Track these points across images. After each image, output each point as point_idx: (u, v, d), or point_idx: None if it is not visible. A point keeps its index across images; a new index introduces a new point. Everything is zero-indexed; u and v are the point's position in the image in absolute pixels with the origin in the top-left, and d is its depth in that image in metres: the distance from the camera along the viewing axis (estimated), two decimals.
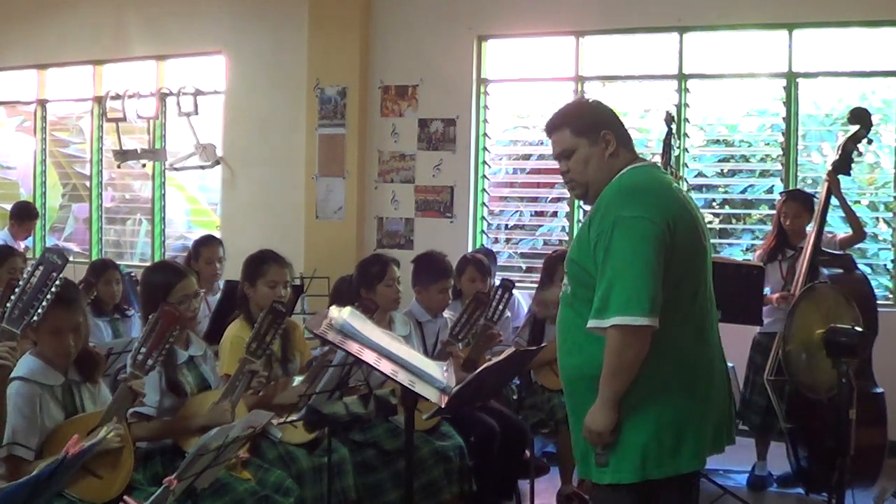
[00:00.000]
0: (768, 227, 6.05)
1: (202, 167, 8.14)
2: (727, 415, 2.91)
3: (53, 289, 2.75)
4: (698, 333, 2.79)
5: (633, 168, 2.84)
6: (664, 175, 2.95)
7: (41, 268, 2.76)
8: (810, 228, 5.42)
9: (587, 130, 2.85)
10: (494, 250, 7.30)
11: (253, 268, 4.33)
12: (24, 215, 7.89)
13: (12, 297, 2.76)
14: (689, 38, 6.71)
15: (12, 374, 2.99)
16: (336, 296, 5.20)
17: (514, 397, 5.25)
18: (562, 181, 7.59)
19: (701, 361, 2.78)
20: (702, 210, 3.18)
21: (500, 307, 4.81)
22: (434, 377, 3.31)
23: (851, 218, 5.52)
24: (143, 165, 8.56)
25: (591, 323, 2.67)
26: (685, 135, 6.72)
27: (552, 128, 2.93)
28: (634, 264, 2.62)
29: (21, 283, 2.77)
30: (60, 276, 2.78)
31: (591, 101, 3.03)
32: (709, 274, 2.86)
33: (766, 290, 5.42)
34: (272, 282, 4.28)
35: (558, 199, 7.34)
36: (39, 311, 2.74)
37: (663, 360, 2.68)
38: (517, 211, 7.63)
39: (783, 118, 6.55)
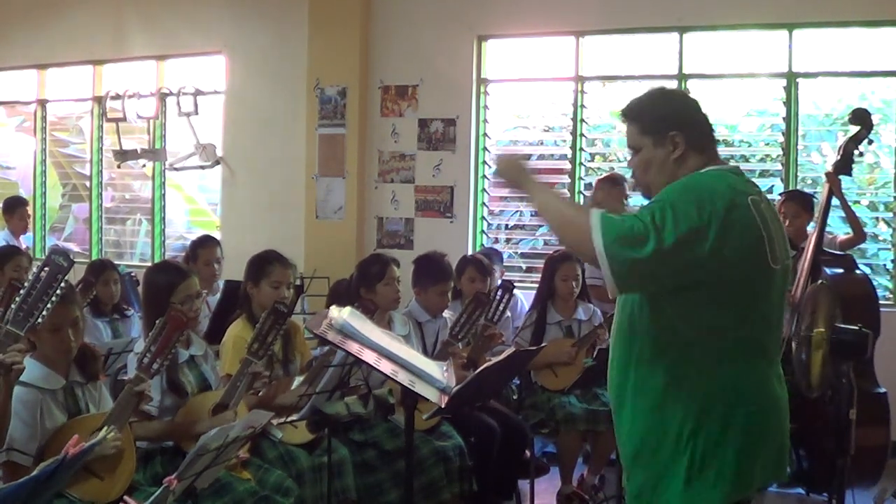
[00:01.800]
0: None
1: (202, 167, 8.14)
2: (782, 446, 2.66)
3: (59, 291, 2.75)
4: (753, 362, 2.56)
5: (709, 170, 2.55)
6: (741, 184, 2.55)
7: (47, 269, 2.76)
8: (811, 229, 5.42)
9: (653, 130, 2.59)
10: None
11: (257, 268, 4.33)
12: (13, 205, 7.91)
13: (17, 299, 2.76)
14: (689, 38, 6.71)
15: None
16: (334, 298, 5.20)
17: (514, 397, 5.25)
18: (562, 181, 7.60)
19: (753, 388, 2.56)
20: None
21: (501, 308, 4.81)
22: (434, 377, 3.30)
23: (852, 219, 5.52)
24: (143, 165, 8.56)
25: (596, 216, 2.43)
26: None
27: (624, 116, 2.68)
28: (674, 223, 2.35)
29: (27, 284, 2.77)
30: (66, 278, 2.78)
31: (668, 94, 2.73)
32: (774, 297, 2.60)
33: None
34: (276, 282, 4.28)
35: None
36: (44, 312, 2.74)
37: (711, 384, 2.50)
38: (517, 211, 7.62)
39: (783, 118, 6.55)
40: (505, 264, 7.36)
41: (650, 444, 2.58)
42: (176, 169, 8.37)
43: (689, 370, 2.50)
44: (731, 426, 2.51)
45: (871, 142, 5.26)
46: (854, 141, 5.19)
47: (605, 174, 6.20)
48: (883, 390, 4.89)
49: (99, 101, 8.68)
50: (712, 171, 2.56)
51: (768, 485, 2.67)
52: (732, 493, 2.53)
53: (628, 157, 2.75)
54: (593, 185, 6.25)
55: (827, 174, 5.31)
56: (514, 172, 2.67)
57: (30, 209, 8.27)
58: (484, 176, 7.35)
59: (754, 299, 2.53)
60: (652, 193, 2.64)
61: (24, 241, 8.00)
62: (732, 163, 7.21)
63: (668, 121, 2.60)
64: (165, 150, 8.44)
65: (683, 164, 2.58)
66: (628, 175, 5.56)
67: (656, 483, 2.57)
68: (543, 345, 4.88)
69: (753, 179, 7.20)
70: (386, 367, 3.19)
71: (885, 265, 6.68)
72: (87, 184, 9.01)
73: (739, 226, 2.44)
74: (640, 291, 2.52)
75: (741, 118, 7.12)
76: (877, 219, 6.91)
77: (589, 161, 7.11)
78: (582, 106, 7.01)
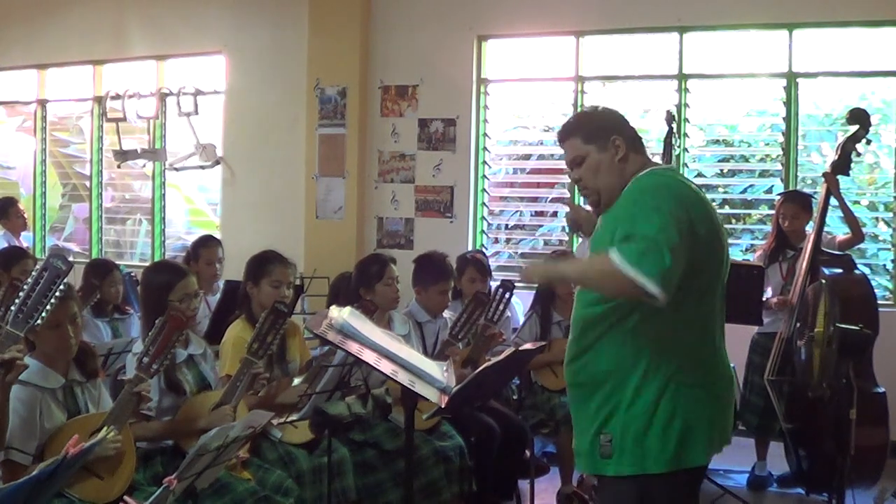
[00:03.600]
0: (768, 228, 6.05)
1: (202, 167, 8.14)
2: (730, 416, 2.91)
3: (58, 293, 2.77)
4: (708, 333, 2.80)
5: (653, 170, 2.84)
6: (683, 178, 2.91)
7: (45, 273, 2.78)
8: (810, 229, 5.42)
9: (596, 137, 2.85)
10: (494, 250, 7.31)
11: (257, 267, 4.33)
12: (5, 206, 7.91)
13: (17, 301, 2.78)
14: (689, 38, 6.71)
15: None
16: (334, 293, 5.21)
17: (514, 397, 5.26)
18: (562, 181, 7.61)
19: (709, 361, 2.80)
20: None
21: (501, 307, 4.82)
22: (434, 377, 3.31)
23: (850, 219, 5.52)
24: (143, 165, 8.56)
25: (614, 255, 2.60)
26: (685, 135, 6.72)
27: (563, 136, 2.94)
28: (663, 231, 2.58)
29: (26, 286, 2.79)
30: (65, 280, 2.80)
31: (599, 108, 3.04)
32: (723, 277, 2.85)
33: (768, 292, 5.43)
34: (276, 281, 4.28)
35: (558, 199, 7.34)
36: (44, 314, 2.76)
37: (672, 356, 2.70)
38: (517, 211, 7.63)
39: (783, 118, 6.55)
40: (505, 264, 7.39)
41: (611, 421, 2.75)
42: (176, 169, 8.38)
43: (649, 342, 2.70)
44: (690, 395, 2.72)
45: (869, 141, 5.27)
46: (852, 140, 5.20)
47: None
48: (882, 390, 4.89)
49: (99, 101, 8.68)
50: (657, 171, 2.85)
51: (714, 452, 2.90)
52: (686, 459, 2.72)
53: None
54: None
55: (824, 175, 5.31)
56: (542, 273, 2.95)
57: (22, 205, 8.29)
58: (484, 176, 7.36)
59: (712, 271, 2.78)
60: (602, 198, 2.88)
61: (24, 241, 8.00)
62: (732, 163, 7.27)
63: (607, 127, 2.88)
64: (165, 150, 8.44)
65: (627, 165, 2.84)
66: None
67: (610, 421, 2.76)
68: (543, 344, 4.88)
69: (753, 179, 7.27)
70: (386, 367, 3.20)
71: (884, 265, 6.68)
72: (87, 184, 9.01)
73: (700, 211, 2.72)
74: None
75: (741, 118, 7.13)
76: (876, 219, 6.92)
77: None
78: (582, 106, 7.02)
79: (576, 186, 3.02)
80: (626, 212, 2.72)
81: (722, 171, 7.11)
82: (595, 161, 2.85)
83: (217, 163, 8.07)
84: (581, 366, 2.82)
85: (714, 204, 2.95)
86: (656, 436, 2.69)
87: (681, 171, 6.40)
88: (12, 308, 2.78)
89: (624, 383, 2.71)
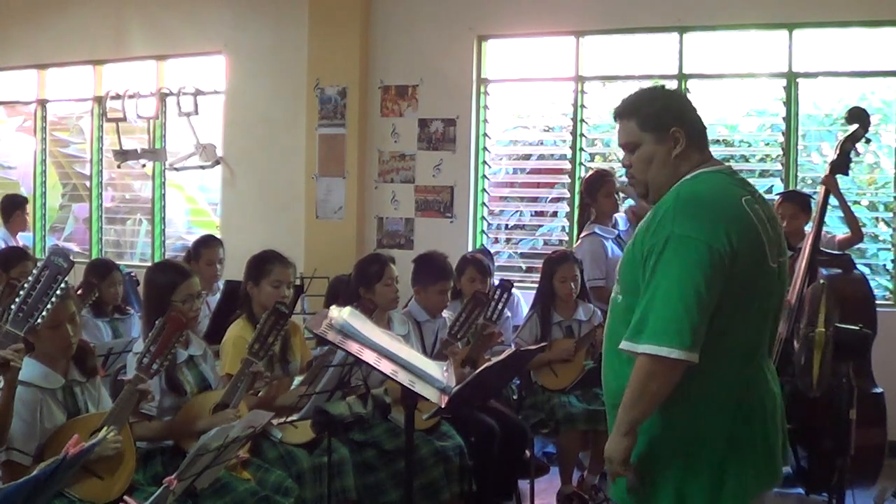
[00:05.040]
0: None
1: (202, 167, 8.14)
2: (774, 456, 2.63)
3: (59, 292, 2.77)
4: (752, 365, 2.57)
5: (700, 173, 2.55)
6: (734, 185, 2.57)
7: (46, 271, 2.77)
8: (809, 229, 5.42)
9: (655, 126, 2.56)
10: (495, 250, 7.31)
11: (257, 267, 4.33)
12: (11, 205, 7.89)
13: (17, 300, 2.77)
14: (689, 38, 6.71)
15: None
16: (332, 295, 5.21)
17: (514, 397, 5.26)
18: (562, 181, 7.57)
19: (753, 396, 2.57)
20: None
21: (500, 307, 4.82)
22: (434, 377, 3.31)
23: (850, 219, 5.52)
24: (143, 165, 8.56)
25: (624, 345, 2.45)
26: None
27: (619, 115, 2.64)
28: (681, 290, 2.36)
29: (26, 285, 2.78)
30: (65, 279, 2.79)
31: (666, 91, 2.73)
32: (775, 298, 2.59)
33: None
34: (277, 281, 4.29)
35: (558, 199, 7.34)
36: (44, 313, 2.76)
37: (709, 395, 2.48)
38: (517, 211, 7.63)
39: (783, 118, 6.55)
40: (505, 264, 7.39)
41: (644, 453, 2.55)
42: (176, 169, 8.38)
43: (690, 375, 2.44)
44: (734, 432, 2.51)
45: (868, 141, 5.26)
46: (851, 139, 5.19)
47: (591, 175, 6.05)
48: (880, 390, 4.89)
49: (99, 101, 8.68)
50: (706, 174, 2.56)
51: (770, 489, 2.68)
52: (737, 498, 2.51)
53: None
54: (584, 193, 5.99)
55: (823, 180, 5.29)
56: (620, 452, 2.53)
57: (28, 208, 8.27)
58: (484, 176, 7.36)
59: (756, 299, 2.51)
60: (650, 193, 2.62)
61: (21, 240, 7.99)
62: (732, 163, 7.26)
63: (669, 116, 2.58)
64: (165, 150, 8.44)
65: (684, 162, 2.57)
66: (620, 175, 5.55)
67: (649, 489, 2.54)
68: (543, 344, 4.89)
69: (753, 179, 7.25)
70: (386, 367, 3.20)
71: (884, 265, 6.68)
72: (87, 184, 9.01)
73: (741, 233, 2.45)
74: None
75: (741, 118, 7.13)
76: (876, 219, 6.92)
77: (589, 161, 7.11)
78: (582, 106, 7.02)
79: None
80: (657, 248, 2.43)
81: None
82: (649, 152, 2.57)
83: (217, 163, 8.07)
84: (621, 387, 2.53)
85: None
86: (692, 483, 2.48)
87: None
88: (12, 307, 2.78)
89: (659, 419, 2.49)
